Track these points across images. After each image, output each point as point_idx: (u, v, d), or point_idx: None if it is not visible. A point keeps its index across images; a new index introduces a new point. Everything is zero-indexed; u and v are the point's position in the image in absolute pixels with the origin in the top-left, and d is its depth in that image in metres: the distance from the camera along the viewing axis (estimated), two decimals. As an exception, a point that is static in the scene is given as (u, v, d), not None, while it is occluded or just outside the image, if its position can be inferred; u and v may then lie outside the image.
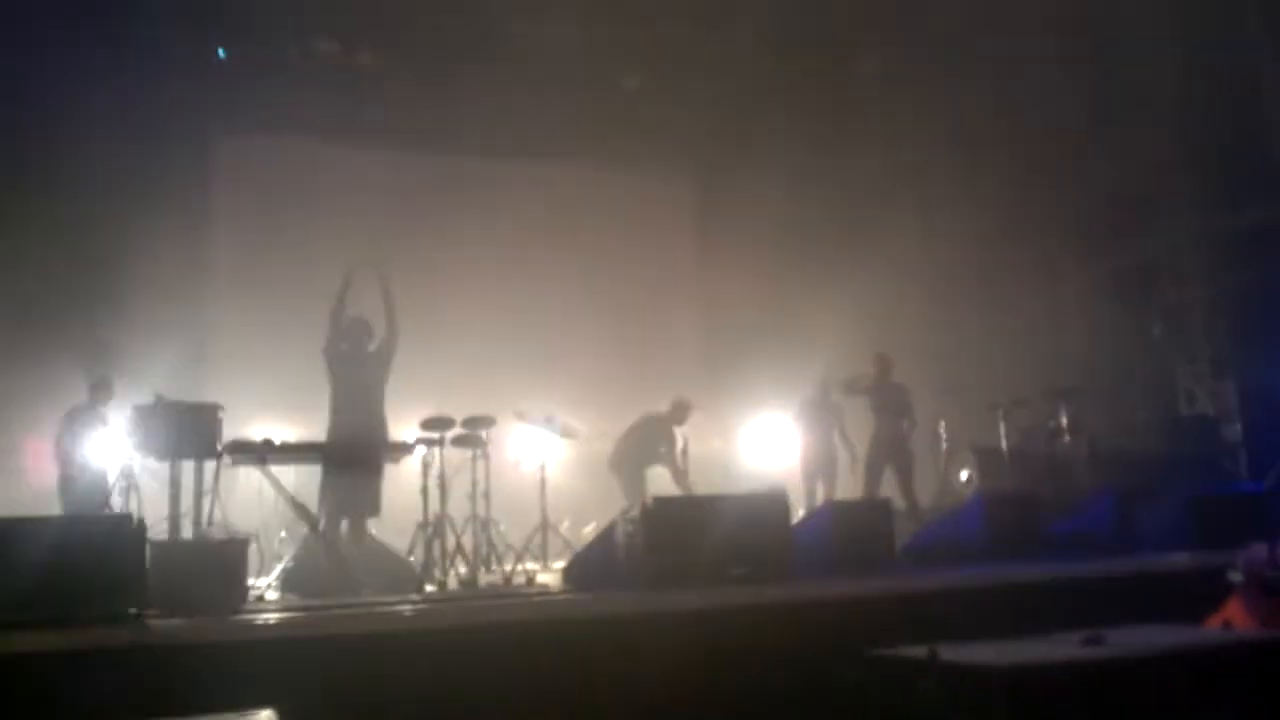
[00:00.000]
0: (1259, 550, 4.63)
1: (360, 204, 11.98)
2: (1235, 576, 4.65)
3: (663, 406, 10.53)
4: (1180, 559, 6.49)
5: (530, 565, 8.50)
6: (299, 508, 7.30)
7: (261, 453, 7.19)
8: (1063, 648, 3.72)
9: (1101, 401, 10.94)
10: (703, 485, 10.16)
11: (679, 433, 10.45)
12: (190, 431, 7.14)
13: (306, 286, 11.36)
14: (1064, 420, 10.41)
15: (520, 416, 9.18)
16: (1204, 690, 3.25)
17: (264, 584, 6.98)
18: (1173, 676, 3.27)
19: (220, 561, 6.12)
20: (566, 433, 9.43)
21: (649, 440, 10.34)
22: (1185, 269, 12.18)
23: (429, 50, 11.39)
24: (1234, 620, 4.53)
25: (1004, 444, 10.56)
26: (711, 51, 11.70)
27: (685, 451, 10.22)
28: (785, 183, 12.65)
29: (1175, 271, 12.26)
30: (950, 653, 3.80)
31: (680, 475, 10.15)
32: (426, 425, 8.00)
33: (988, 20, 11.01)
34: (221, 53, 11.20)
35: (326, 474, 7.57)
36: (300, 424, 9.09)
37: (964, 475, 10.69)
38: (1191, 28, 11.23)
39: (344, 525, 7.66)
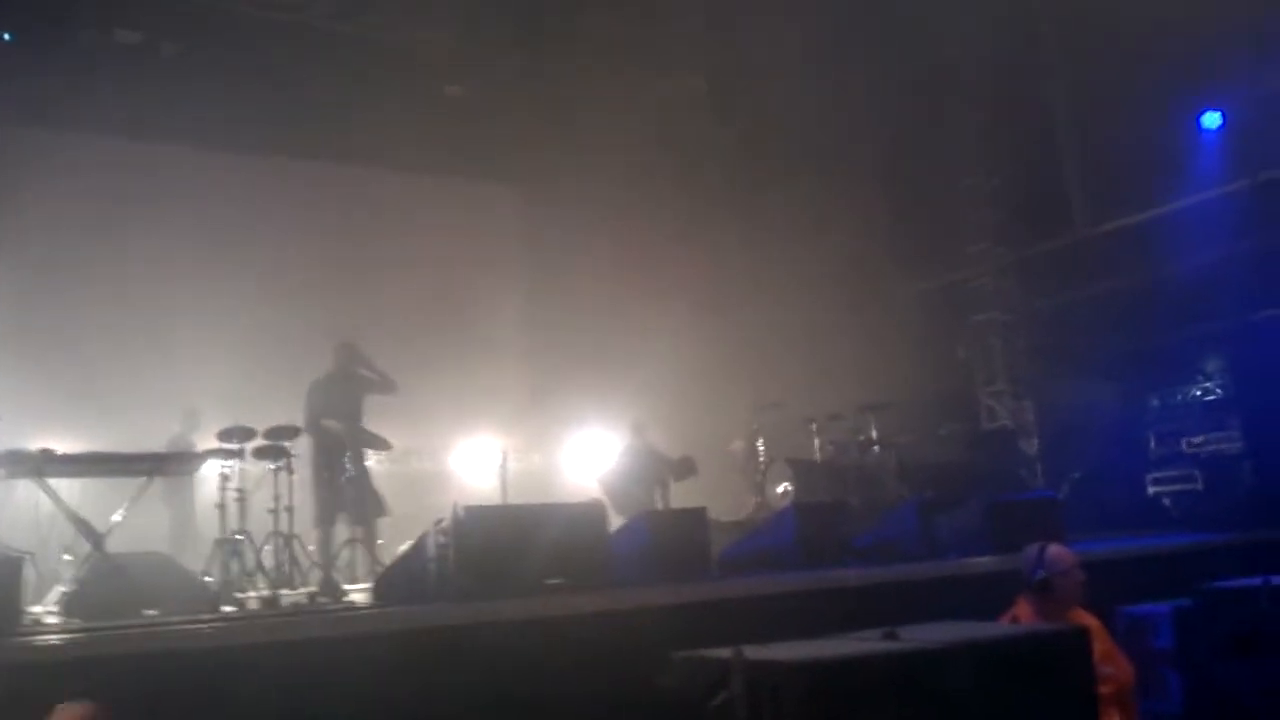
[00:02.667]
0: (1030, 550, 4.89)
1: (159, 204, 11.32)
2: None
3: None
4: (978, 562, 6.74)
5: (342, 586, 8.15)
6: (81, 524, 6.77)
7: (39, 463, 6.66)
8: (860, 644, 3.78)
9: (910, 416, 11.35)
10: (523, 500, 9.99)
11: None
12: (-43, 441, 6.56)
13: (90, 291, 10.69)
14: (874, 433, 10.75)
15: (328, 427, 8.81)
16: (989, 677, 3.34)
17: (42, 608, 6.46)
18: (960, 665, 3.36)
19: (-10, 582, 5.60)
20: (376, 445, 9.09)
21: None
22: (988, 294, 12.83)
23: (241, 45, 10.85)
24: (1020, 616, 4.75)
25: (818, 457, 10.85)
26: (535, 61, 11.63)
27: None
28: (610, 195, 12.69)
29: (979, 296, 12.89)
30: (755, 653, 3.81)
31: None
32: (224, 436, 7.59)
33: (814, 48, 11.38)
34: (7, 36, 10.36)
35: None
36: (81, 435, 8.47)
37: (781, 488, 10.88)
38: (996, 75, 11.90)
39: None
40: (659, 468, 10.48)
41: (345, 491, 8.50)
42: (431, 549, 6.44)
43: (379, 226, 12.27)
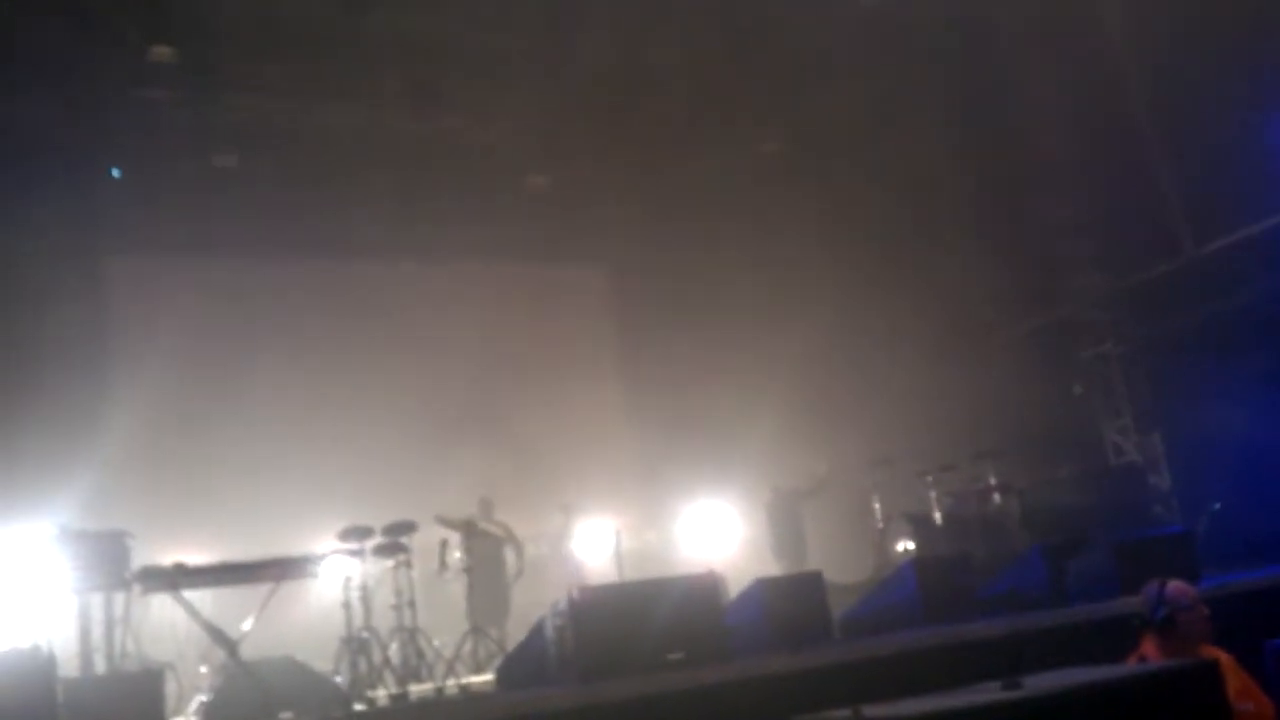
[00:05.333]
0: (1150, 588, 4.71)
1: (271, 317, 11.87)
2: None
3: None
4: (1108, 606, 6.47)
5: (467, 677, 8.24)
6: (215, 633, 7.01)
7: (173, 577, 6.94)
8: (980, 695, 3.67)
9: (1030, 460, 11.03)
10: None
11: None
12: (98, 560, 6.90)
13: (214, 406, 11.20)
14: (993, 481, 10.48)
15: (444, 521, 9.00)
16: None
17: (183, 719, 6.69)
18: (1084, 709, 3.23)
19: (135, 695, 5.86)
20: (492, 534, 9.25)
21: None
22: (1100, 326, 12.46)
23: (329, 155, 11.33)
24: (1147, 656, 4.56)
25: (936, 510, 10.60)
26: (614, 143, 11.88)
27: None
28: (700, 266, 12.79)
29: (1091, 329, 12.53)
30: (874, 711, 3.75)
31: None
32: (344, 536, 7.81)
33: (894, 101, 11.39)
34: (116, 172, 11.04)
35: None
36: (214, 547, 8.82)
37: (901, 546, 10.66)
38: (1079, 101, 11.70)
39: None
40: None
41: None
42: (550, 632, 6.49)
43: (476, 320, 12.61)
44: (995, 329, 12.49)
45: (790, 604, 7.00)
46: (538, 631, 6.75)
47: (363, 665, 7.41)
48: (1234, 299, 10.92)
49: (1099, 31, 11.49)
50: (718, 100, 11.36)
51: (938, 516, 10.55)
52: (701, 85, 11.10)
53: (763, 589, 7.29)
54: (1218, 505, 10.90)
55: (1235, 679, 4.21)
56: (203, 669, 8.53)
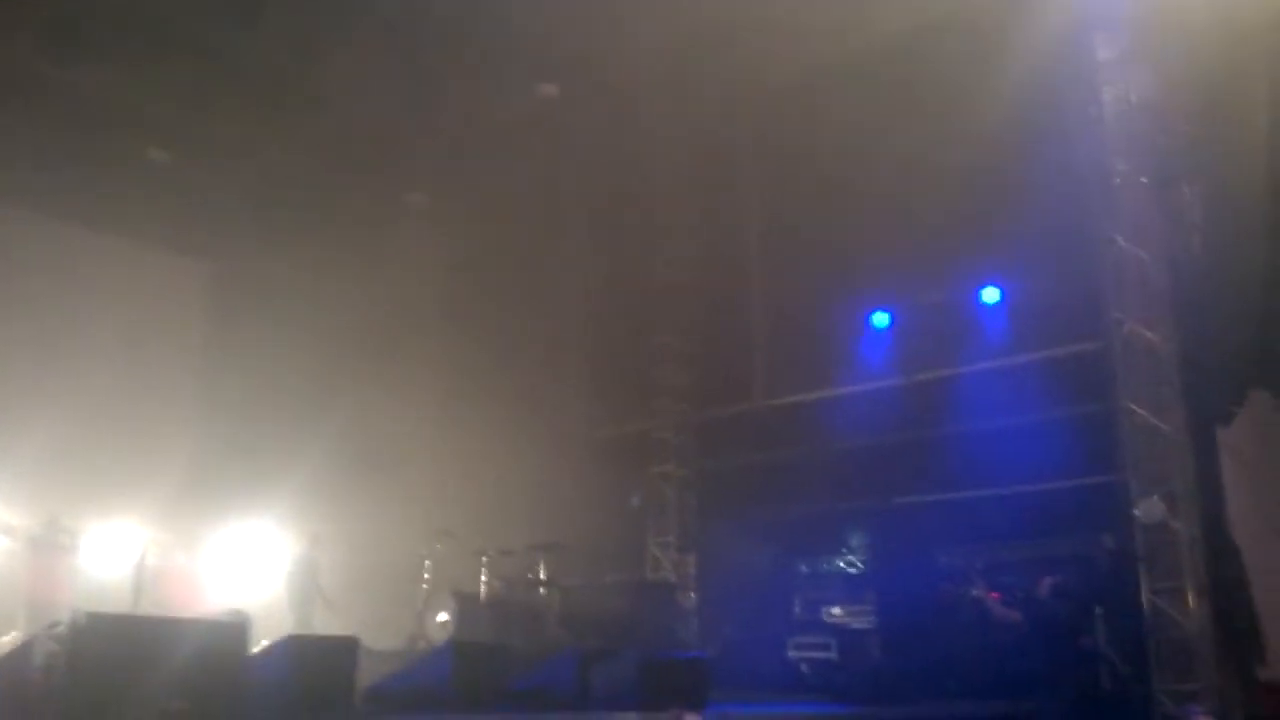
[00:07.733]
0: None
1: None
2: None
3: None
4: (625, 717, 6.77)
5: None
6: None
7: None
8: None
9: (580, 559, 11.45)
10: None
11: None
12: None
13: None
14: (542, 573, 10.74)
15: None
16: None
17: None
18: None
19: None
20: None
21: None
22: (668, 447, 13.32)
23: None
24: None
25: (484, 591, 10.67)
26: (256, 141, 11.18)
27: None
28: (310, 288, 12.26)
29: (660, 449, 13.35)
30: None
31: None
32: None
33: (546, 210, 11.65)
34: None
35: None
36: None
37: (442, 618, 10.61)
38: (701, 248, 12.64)
39: None
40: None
41: None
42: (39, 657, 5.73)
43: (54, 280, 11.17)
44: (577, 428, 12.97)
45: (317, 667, 6.66)
46: (22, 654, 5.94)
47: None
48: (782, 451, 12.12)
49: (732, 191, 12.56)
50: (376, 138, 11.07)
51: (484, 597, 10.62)
52: (364, 115, 10.76)
53: (290, 646, 6.90)
54: (728, 632, 11.86)
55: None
56: None
